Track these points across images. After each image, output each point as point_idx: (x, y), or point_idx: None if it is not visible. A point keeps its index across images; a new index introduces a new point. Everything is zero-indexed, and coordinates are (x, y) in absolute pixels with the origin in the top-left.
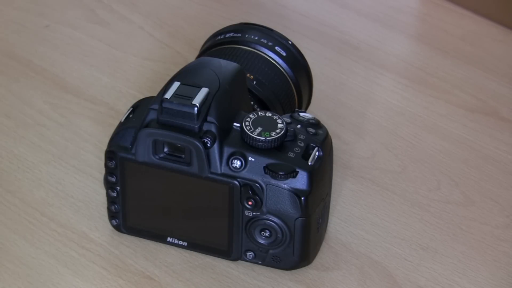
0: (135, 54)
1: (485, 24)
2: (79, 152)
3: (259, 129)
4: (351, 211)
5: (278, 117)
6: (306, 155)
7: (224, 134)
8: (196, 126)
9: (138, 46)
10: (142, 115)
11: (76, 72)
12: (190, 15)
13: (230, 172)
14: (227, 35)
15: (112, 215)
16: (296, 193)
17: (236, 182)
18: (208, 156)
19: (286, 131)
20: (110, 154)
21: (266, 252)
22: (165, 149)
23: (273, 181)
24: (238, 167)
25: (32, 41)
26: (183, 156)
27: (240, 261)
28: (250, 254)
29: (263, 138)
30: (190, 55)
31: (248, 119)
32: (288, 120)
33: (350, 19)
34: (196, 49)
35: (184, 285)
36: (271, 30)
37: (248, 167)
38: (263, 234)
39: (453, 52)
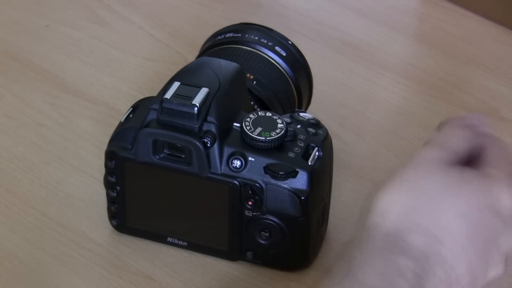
0: (135, 54)
1: (485, 24)
2: (79, 152)
3: (259, 129)
4: (351, 211)
5: (278, 117)
6: (306, 155)
7: (224, 134)
8: (196, 126)
9: (138, 46)
10: (142, 115)
11: (76, 72)
12: (190, 15)
13: (230, 172)
14: (227, 35)
15: (112, 215)
16: (296, 193)
17: (236, 182)
18: (208, 156)
19: (286, 131)
20: (110, 154)
21: (266, 252)
22: (165, 149)
23: (273, 181)
24: (238, 167)
25: (32, 41)
26: (183, 156)
27: (240, 261)
28: (250, 254)
29: (263, 138)
30: (190, 55)
31: (248, 119)
32: (288, 120)
33: (350, 19)
34: (196, 49)
35: (184, 285)
36: (271, 30)
37: (248, 167)
38: (263, 234)
39: (453, 52)
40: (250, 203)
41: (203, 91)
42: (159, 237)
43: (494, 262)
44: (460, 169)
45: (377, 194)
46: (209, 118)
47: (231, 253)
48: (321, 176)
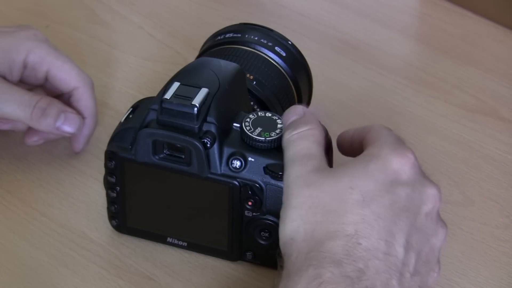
0: (135, 54)
1: (485, 24)
2: (79, 152)
3: (258, 130)
4: None
5: (278, 117)
6: None
7: (224, 134)
8: (196, 126)
9: (138, 46)
10: (142, 115)
11: None
12: (190, 15)
13: (230, 173)
14: (227, 35)
15: (112, 216)
16: None
17: (236, 183)
18: (208, 157)
19: None
20: (110, 154)
21: (266, 252)
22: (165, 150)
23: (273, 181)
24: (238, 167)
25: None
26: (183, 156)
27: (240, 261)
28: (250, 254)
29: (263, 138)
30: (190, 55)
31: (248, 120)
32: None
33: (350, 19)
34: (196, 49)
35: (184, 285)
36: (271, 30)
37: (248, 168)
38: (262, 234)
39: (453, 52)
40: (250, 203)
41: (203, 92)
42: (159, 238)
43: (428, 227)
44: (340, 168)
45: (280, 230)
46: (208, 119)
47: (231, 253)
48: None
